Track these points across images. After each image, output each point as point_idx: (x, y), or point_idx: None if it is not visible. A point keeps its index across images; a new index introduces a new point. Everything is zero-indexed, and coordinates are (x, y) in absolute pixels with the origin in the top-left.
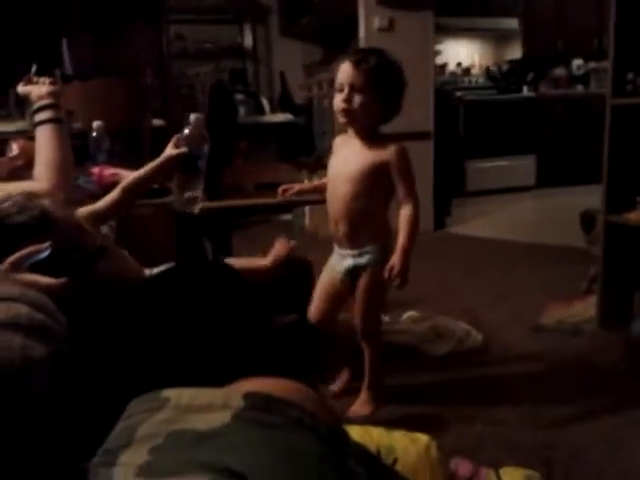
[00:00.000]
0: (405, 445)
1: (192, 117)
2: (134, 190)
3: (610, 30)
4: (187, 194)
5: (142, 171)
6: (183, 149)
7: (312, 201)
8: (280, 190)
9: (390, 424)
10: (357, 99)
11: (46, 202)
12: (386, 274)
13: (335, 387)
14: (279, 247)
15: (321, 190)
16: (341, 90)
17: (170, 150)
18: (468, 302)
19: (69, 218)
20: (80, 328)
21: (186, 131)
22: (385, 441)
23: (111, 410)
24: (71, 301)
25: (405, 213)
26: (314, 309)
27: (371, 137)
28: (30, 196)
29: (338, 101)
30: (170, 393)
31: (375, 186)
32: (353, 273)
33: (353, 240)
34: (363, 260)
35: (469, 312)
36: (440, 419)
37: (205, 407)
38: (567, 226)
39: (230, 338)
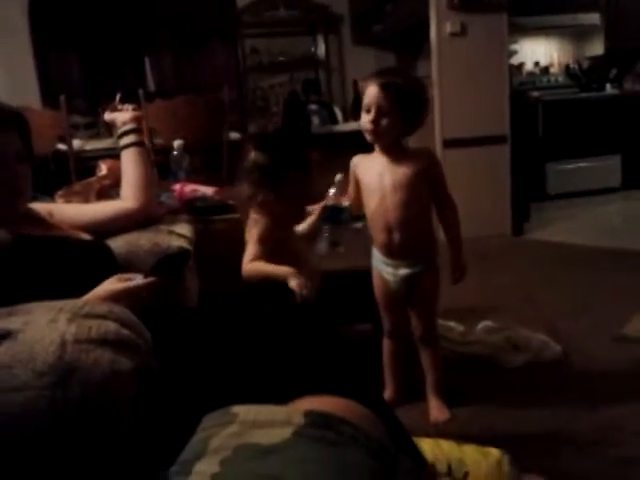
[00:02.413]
0: (476, 459)
1: (338, 177)
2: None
3: None
4: (330, 240)
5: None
6: (328, 202)
7: None
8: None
9: (462, 436)
10: (384, 121)
11: None
12: (453, 276)
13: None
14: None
15: None
16: (368, 111)
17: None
18: (547, 312)
19: None
20: (163, 341)
21: (332, 190)
22: (456, 454)
23: (188, 422)
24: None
25: (450, 212)
26: (390, 324)
27: (398, 149)
28: None
29: (366, 122)
30: (239, 409)
31: (422, 192)
32: (409, 280)
33: (407, 249)
34: (418, 268)
35: (548, 322)
36: (514, 433)
37: (268, 423)
38: None
39: (297, 357)
